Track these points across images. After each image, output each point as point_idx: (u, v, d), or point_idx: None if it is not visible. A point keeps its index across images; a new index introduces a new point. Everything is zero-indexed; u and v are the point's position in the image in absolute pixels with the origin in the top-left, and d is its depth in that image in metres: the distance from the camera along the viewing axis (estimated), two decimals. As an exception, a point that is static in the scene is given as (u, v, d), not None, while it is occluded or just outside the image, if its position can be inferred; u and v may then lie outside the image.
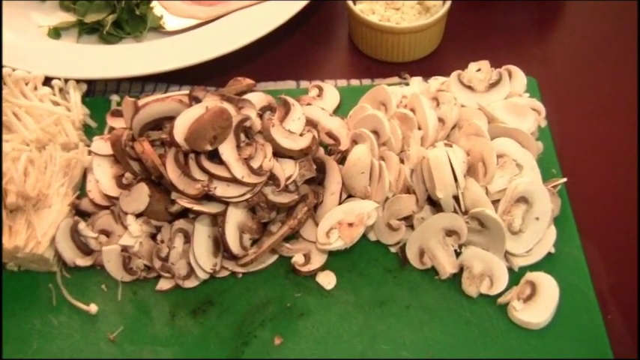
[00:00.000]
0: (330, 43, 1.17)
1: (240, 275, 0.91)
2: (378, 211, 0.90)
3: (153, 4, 1.16)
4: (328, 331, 0.85)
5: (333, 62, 1.14)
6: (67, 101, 1.02)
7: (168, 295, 0.90)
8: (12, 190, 0.90)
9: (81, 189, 0.97)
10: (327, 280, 0.90)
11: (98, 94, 1.08)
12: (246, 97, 0.94)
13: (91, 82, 1.07)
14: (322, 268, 0.91)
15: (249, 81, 0.99)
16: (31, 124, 0.97)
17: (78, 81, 1.04)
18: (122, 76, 1.05)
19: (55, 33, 1.14)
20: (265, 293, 0.89)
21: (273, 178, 0.89)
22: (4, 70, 1.01)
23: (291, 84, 1.09)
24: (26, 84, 1.02)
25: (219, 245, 0.89)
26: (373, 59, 1.13)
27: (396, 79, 1.08)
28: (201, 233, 0.89)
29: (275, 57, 1.14)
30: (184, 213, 0.91)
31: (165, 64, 1.05)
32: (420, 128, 0.93)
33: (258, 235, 0.91)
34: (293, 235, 0.92)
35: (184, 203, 0.87)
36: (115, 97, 1.06)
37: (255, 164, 0.88)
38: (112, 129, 1.01)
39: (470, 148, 0.89)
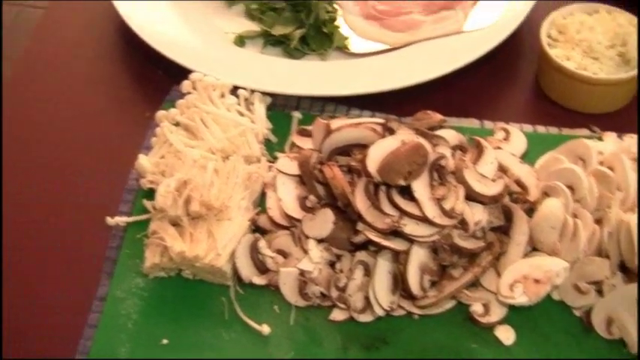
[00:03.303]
0: (516, 83, 1.19)
1: (417, 316, 0.93)
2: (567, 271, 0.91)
3: (340, 23, 1.20)
4: (505, 389, 0.86)
5: (518, 104, 1.16)
6: (251, 113, 1.06)
7: (340, 326, 0.92)
8: (196, 198, 0.94)
9: (259, 204, 1.00)
10: (507, 335, 0.91)
11: (278, 108, 1.11)
12: (439, 133, 0.96)
13: (273, 96, 1.10)
14: (501, 322, 0.92)
15: (439, 116, 1.01)
16: (218, 133, 1.01)
17: (263, 93, 1.08)
18: (308, 94, 1.09)
19: (240, 41, 1.19)
20: (440, 339, 0.91)
21: (462, 222, 0.91)
22: (195, 75, 1.05)
23: (474, 122, 1.11)
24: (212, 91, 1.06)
25: (398, 283, 0.92)
26: (561, 106, 1.14)
27: (585, 132, 1.09)
28: (383, 269, 0.92)
29: (457, 91, 1.16)
30: (365, 245, 0.93)
31: (352, 88, 1.09)
32: (618, 189, 0.94)
33: (437, 278, 0.93)
34: (472, 283, 0.93)
35: (372, 236, 0.90)
36: (296, 114, 1.10)
37: (447, 205, 0.90)
38: (293, 146, 1.05)
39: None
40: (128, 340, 0.91)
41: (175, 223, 0.95)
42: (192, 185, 0.94)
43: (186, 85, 1.05)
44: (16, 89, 1.20)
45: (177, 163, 0.97)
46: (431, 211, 0.89)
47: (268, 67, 1.14)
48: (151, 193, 0.98)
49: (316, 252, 0.92)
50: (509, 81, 1.19)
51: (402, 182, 0.89)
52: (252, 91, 1.08)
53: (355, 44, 1.18)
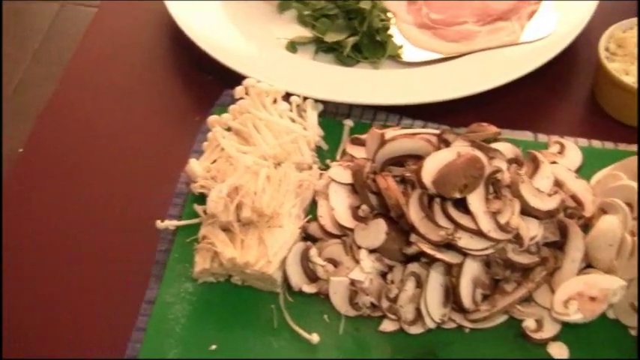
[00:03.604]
0: (571, 96, 1.18)
1: (467, 330, 0.92)
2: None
3: (393, 31, 1.20)
4: (559, 408, 0.86)
5: (573, 118, 1.15)
6: (303, 119, 1.07)
7: (390, 338, 0.92)
8: (248, 205, 0.94)
9: (309, 212, 1.00)
10: (560, 352, 0.90)
11: (329, 115, 1.11)
12: (494, 146, 0.96)
13: (324, 103, 1.10)
14: (554, 338, 0.91)
15: (494, 129, 1.01)
16: (270, 140, 1.02)
17: (315, 101, 1.08)
18: (361, 102, 1.09)
19: (292, 47, 1.20)
20: (491, 353, 0.90)
21: (516, 237, 0.91)
22: (249, 81, 1.06)
23: (528, 135, 1.10)
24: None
25: (449, 296, 0.91)
26: (617, 121, 1.13)
27: (641, 148, 1.08)
28: (435, 281, 0.91)
29: (511, 103, 1.15)
30: (418, 256, 0.93)
31: (405, 97, 1.09)
32: (678, 209, 0.93)
33: (489, 292, 0.92)
34: (525, 298, 0.93)
35: (425, 248, 0.90)
36: (348, 122, 1.09)
37: (502, 220, 0.90)
38: (345, 154, 1.05)
39: None
40: (177, 344, 0.91)
41: (226, 229, 0.95)
42: (244, 191, 0.94)
43: (239, 90, 1.05)
44: (67, 91, 1.22)
45: (229, 169, 0.98)
46: (486, 224, 0.89)
47: (320, 73, 1.14)
48: (200, 198, 0.99)
49: (368, 262, 0.92)
50: (563, 93, 1.18)
51: (458, 195, 0.89)
52: (305, 98, 1.08)
53: (408, 53, 1.18)
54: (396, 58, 1.18)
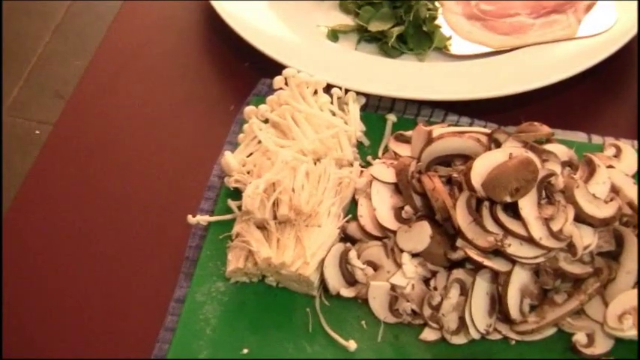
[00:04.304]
0: (624, 97, 1.14)
1: (513, 342, 0.89)
2: (683, 306, 0.87)
3: (440, 22, 1.17)
4: None
5: (629, 119, 1.11)
6: (344, 113, 1.04)
7: (431, 347, 0.89)
8: (285, 202, 0.92)
9: (348, 211, 0.98)
10: (612, 369, 0.87)
11: (371, 109, 1.09)
12: (547, 147, 0.93)
13: (366, 96, 1.07)
14: (607, 354, 0.88)
15: (547, 129, 0.98)
16: (310, 134, 0.99)
17: (357, 93, 1.06)
18: (405, 96, 1.06)
19: (334, 35, 1.17)
20: (539, 368, 0.87)
21: (569, 245, 0.88)
22: (289, 71, 1.03)
23: (581, 136, 1.06)
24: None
25: (495, 305, 0.89)
26: (677, 123, 1.09)
27: (703, 153, 1.04)
28: (481, 289, 0.89)
29: (563, 101, 1.12)
30: (462, 262, 0.90)
31: (452, 92, 1.06)
32: None
33: (537, 302, 0.89)
34: (576, 310, 0.89)
35: (472, 254, 0.87)
36: (391, 117, 1.07)
37: (554, 227, 0.87)
38: (387, 151, 1.03)
39: None
40: (206, 346, 0.89)
41: (261, 227, 0.93)
42: (281, 188, 0.92)
43: (278, 80, 1.03)
44: (97, 74, 1.20)
45: (265, 163, 0.96)
46: (537, 231, 0.86)
47: (363, 64, 1.11)
48: (235, 193, 0.98)
49: (410, 266, 0.90)
50: (620, 93, 1.14)
51: (508, 199, 0.86)
52: (346, 91, 1.05)
53: (456, 45, 1.15)
54: (443, 51, 1.15)
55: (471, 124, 1.05)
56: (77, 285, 0.96)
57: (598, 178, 0.93)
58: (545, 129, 0.98)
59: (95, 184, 1.06)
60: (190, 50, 1.23)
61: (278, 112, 1.01)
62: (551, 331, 0.90)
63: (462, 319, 0.89)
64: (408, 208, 0.94)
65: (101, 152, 1.10)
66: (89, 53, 1.24)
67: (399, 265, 0.91)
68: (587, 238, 0.89)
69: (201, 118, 1.14)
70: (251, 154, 1.00)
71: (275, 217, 0.93)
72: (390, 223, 0.94)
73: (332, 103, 1.04)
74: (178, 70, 1.21)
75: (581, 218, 0.89)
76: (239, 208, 0.95)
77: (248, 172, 0.97)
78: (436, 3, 1.19)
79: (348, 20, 1.19)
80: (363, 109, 1.07)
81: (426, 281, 0.92)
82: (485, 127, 1.02)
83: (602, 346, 0.88)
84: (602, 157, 0.99)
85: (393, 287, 0.90)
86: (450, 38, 1.16)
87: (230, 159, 0.98)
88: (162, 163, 1.08)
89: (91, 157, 1.09)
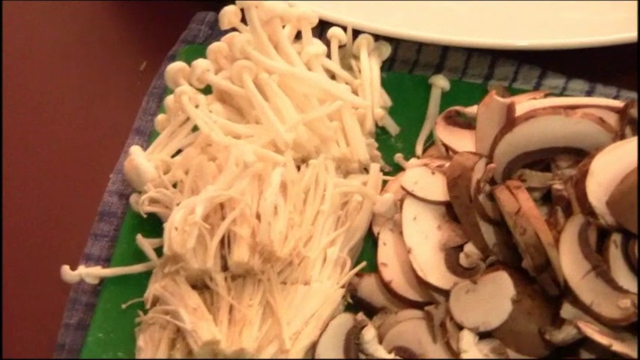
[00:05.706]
0: None
1: None
2: None
3: None
4: None
5: None
6: (353, 74, 1.03)
7: None
8: (244, 239, 0.89)
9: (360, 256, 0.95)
10: None
11: (401, 65, 1.08)
12: None
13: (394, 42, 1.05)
14: None
15: None
16: (289, 113, 0.97)
17: (376, 38, 1.02)
18: (463, 43, 1.04)
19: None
20: None
21: None
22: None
23: None
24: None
25: None
26: None
27: None
28: (608, 397, 0.84)
29: None
30: (572, 347, 0.85)
31: (555, 34, 1.03)
32: None
33: None
34: None
35: (593, 334, 0.81)
36: (440, 82, 1.03)
37: None
38: (432, 145, 1.01)
39: None
40: None
41: (200, 286, 0.90)
42: (237, 212, 0.88)
43: (227, 13, 0.99)
44: None
45: (207, 168, 0.92)
46: None
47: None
48: (149, 223, 0.95)
49: (475, 353, 0.84)
50: None
51: (659, 229, 0.81)
52: (357, 33, 1.02)
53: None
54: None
55: (588, 94, 1.03)
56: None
57: None
58: None
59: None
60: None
61: (229, 73, 0.97)
62: None
63: None
64: (471, 247, 0.89)
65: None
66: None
67: (454, 354, 0.86)
68: None
69: (89, 90, 1.15)
70: (179, 150, 0.96)
71: (225, 268, 0.90)
72: (437, 275, 0.90)
73: (329, 55, 1.01)
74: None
75: None
76: (157, 251, 0.91)
77: (174, 185, 0.93)
78: None
79: None
80: (387, 66, 1.04)
81: (508, 384, 0.86)
82: (616, 98, 1.00)
83: None
84: None
85: (451, 394, 0.85)
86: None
87: (140, 161, 0.94)
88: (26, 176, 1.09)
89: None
